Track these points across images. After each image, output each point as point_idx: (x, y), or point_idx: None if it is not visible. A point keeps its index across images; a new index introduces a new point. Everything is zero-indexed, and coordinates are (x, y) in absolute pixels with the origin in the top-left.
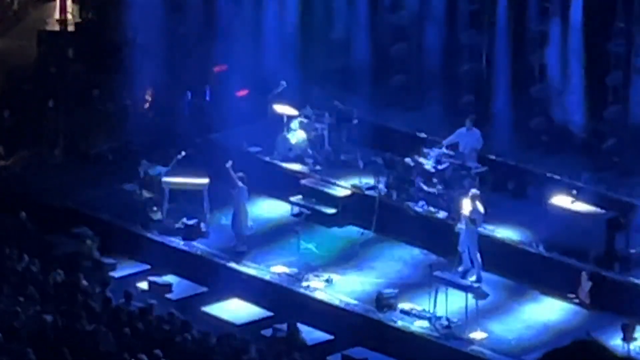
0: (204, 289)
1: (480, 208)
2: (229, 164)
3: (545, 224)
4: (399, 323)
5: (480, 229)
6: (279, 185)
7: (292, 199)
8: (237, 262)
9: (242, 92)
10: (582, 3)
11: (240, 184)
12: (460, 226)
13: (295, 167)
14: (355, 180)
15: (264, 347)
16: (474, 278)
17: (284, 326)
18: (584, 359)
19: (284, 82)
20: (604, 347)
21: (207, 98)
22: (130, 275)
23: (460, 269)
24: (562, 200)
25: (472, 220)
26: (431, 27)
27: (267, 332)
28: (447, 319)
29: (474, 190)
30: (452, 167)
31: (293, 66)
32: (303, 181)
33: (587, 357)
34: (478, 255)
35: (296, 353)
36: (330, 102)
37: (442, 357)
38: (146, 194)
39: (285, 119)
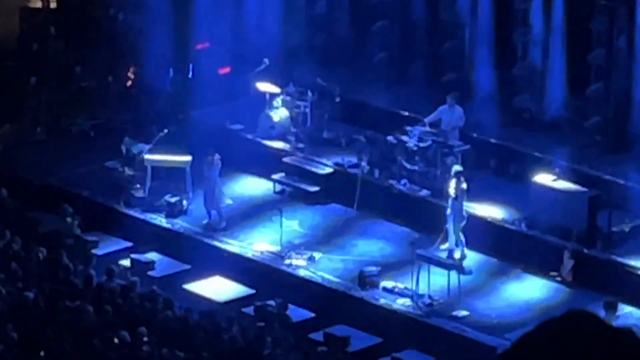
0: (187, 267)
1: (462, 184)
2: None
3: (528, 202)
4: (382, 301)
5: (464, 207)
6: (262, 163)
7: (275, 176)
8: (219, 240)
9: (225, 70)
10: None
11: (215, 159)
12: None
13: (278, 144)
14: (338, 158)
15: (247, 324)
16: (458, 255)
17: (271, 302)
18: (580, 329)
19: (266, 60)
20: (599, 318)
21: (190, 75)
22: (112, 252)
23: (444, 246)
24: (544, 178)
25: (455, 195)
26: (413, 4)
27: (249, 310)
28: (430, 297)
29: (456, 167)
30: (435, 145)
31: (275, 43)
32: (285, 159)
33: (583, 327)
34: (462, 234)
35: (278, 331)
36: (312, 79)
37: (425, 334)
38: (128, 172)
39: (267, 97)
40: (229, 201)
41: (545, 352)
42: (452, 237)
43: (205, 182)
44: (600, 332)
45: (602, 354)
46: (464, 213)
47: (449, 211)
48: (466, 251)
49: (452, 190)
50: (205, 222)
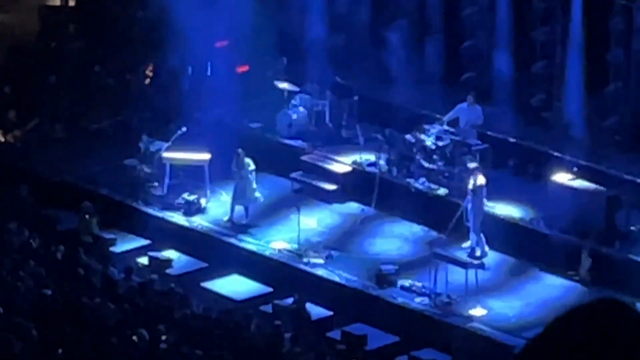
0: (204, 265)
1: (482, 180)
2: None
3: (546, 201)
4: (399, 299)
5: (485, 201)
6: (280, 161)
7: (293, 175)
8: (237, 238)
9: (243, 68)
10: None
11: (242, 155)
12: (466, 202)
13: (296, 143)
14: (356, 157)
15: (265, 322)
16: (479, 253)
17: (288, 301)
18: (610, 316)
19: (284, 59)
20: (628, 305)
21: (208, 74)
22: (130, 250)
23: (465, 245)
24: (562, 178)
25: (474, 191)
26: (432, 3)
27: (267, 308)
28: (447, 296)
29: (472, 164)
30: (453, 143)
31: (294, 42)
32: (304, 157)
33: (613, 315)
34: (480, 232)
35: (296, 329)
36: (331, 78)
37: (442, 333)
38: (147, 170)
39: (286, 95)
40: (259, 194)
41: (574, 339)
42: (473, 235)
43: (236, 179)
44: (631, 320)
45: (633, 341)
46: (483, 209)
47: (469, 207)
48: (487, 249)
49: (470, 186)
50: (225, 219)
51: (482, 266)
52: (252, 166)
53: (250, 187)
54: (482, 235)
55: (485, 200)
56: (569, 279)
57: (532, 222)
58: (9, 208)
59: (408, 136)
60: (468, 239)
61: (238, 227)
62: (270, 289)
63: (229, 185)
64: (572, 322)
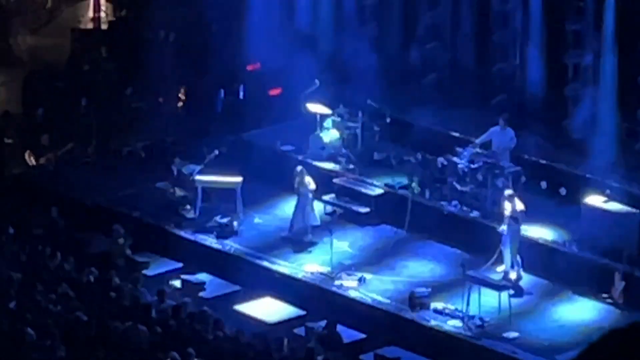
0: (237, 288)
1: (520, 206)
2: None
3: (578, 224)
4: (432, 322)
5: (523, 227)
6: None
7: (325, 197)
8: (270, 260)
9: (275, 91)
10: (614, 3)
11: (300, 171)
12: (503, 227)
13: (328, 166)
14: (388, 179)
15: (298, 345)
16: (514, 276)
17: (321, 324)
18: None
19: (317, 81)
20: None
21: (241, 96)
22: (163, 273)
23: (499, 269)
24: (595, 200)
25: (515, 218)
26: (464, 26)
27: (300, 331)
28: (480, 318)
29: (508, 191)
30: (486, 166)
31: (326, 65)
32: (336, 180)
33: None
34: (517, 255)
35: (328, 352)
36: (363, 100)
37: (475, 356)
38: (179, 192)
39: (318, 118)
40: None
41: None
42: (507, 259)
43: (297, 197)
44: None
45: None
46: (520, 234)
47: (505, 232)
48: (522, 272)
49: (508, 213)
50: (283, 234)
51: (519, 290)
52: (313, 185)
53: (308, 206)
54: (519, 259)
55: (523, 226)
56: (602, 301)
57: (564, 245)
58: (42, 231)
59: (440, 159)
60: (502, 262)
61: (305, 241)
62: (303, 312)
63: (261, 208)
64: (606, 347)
